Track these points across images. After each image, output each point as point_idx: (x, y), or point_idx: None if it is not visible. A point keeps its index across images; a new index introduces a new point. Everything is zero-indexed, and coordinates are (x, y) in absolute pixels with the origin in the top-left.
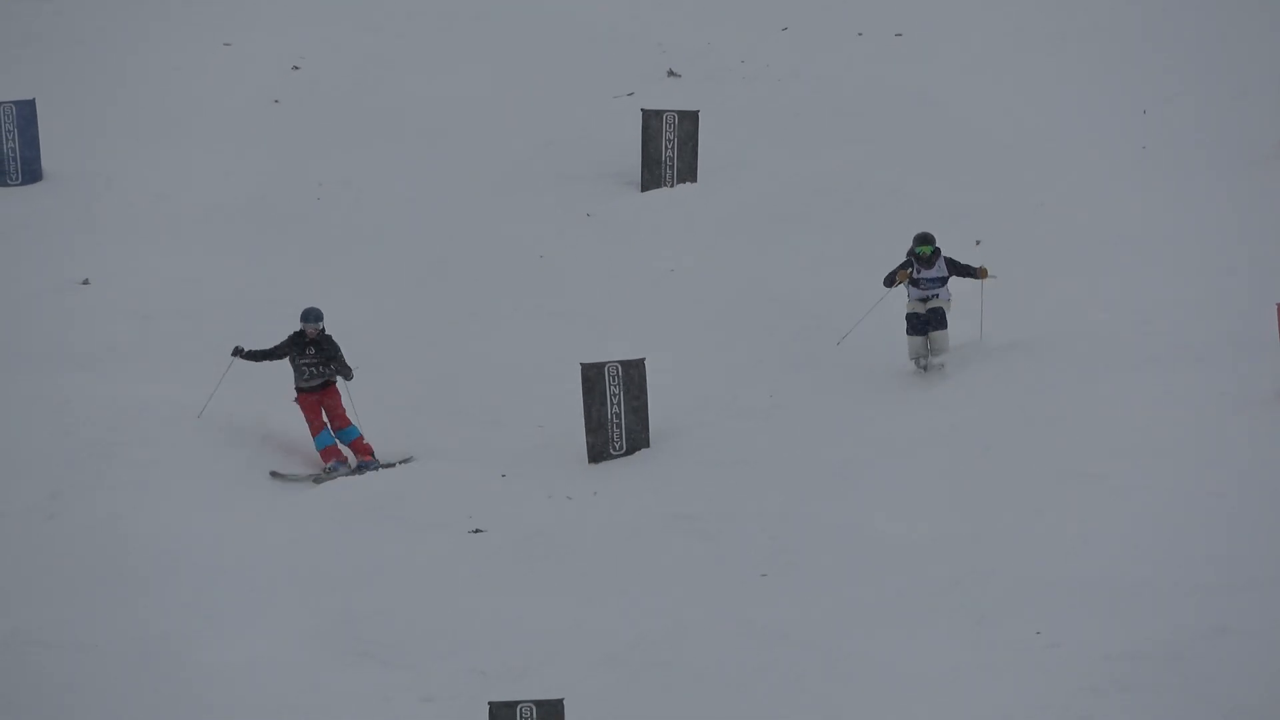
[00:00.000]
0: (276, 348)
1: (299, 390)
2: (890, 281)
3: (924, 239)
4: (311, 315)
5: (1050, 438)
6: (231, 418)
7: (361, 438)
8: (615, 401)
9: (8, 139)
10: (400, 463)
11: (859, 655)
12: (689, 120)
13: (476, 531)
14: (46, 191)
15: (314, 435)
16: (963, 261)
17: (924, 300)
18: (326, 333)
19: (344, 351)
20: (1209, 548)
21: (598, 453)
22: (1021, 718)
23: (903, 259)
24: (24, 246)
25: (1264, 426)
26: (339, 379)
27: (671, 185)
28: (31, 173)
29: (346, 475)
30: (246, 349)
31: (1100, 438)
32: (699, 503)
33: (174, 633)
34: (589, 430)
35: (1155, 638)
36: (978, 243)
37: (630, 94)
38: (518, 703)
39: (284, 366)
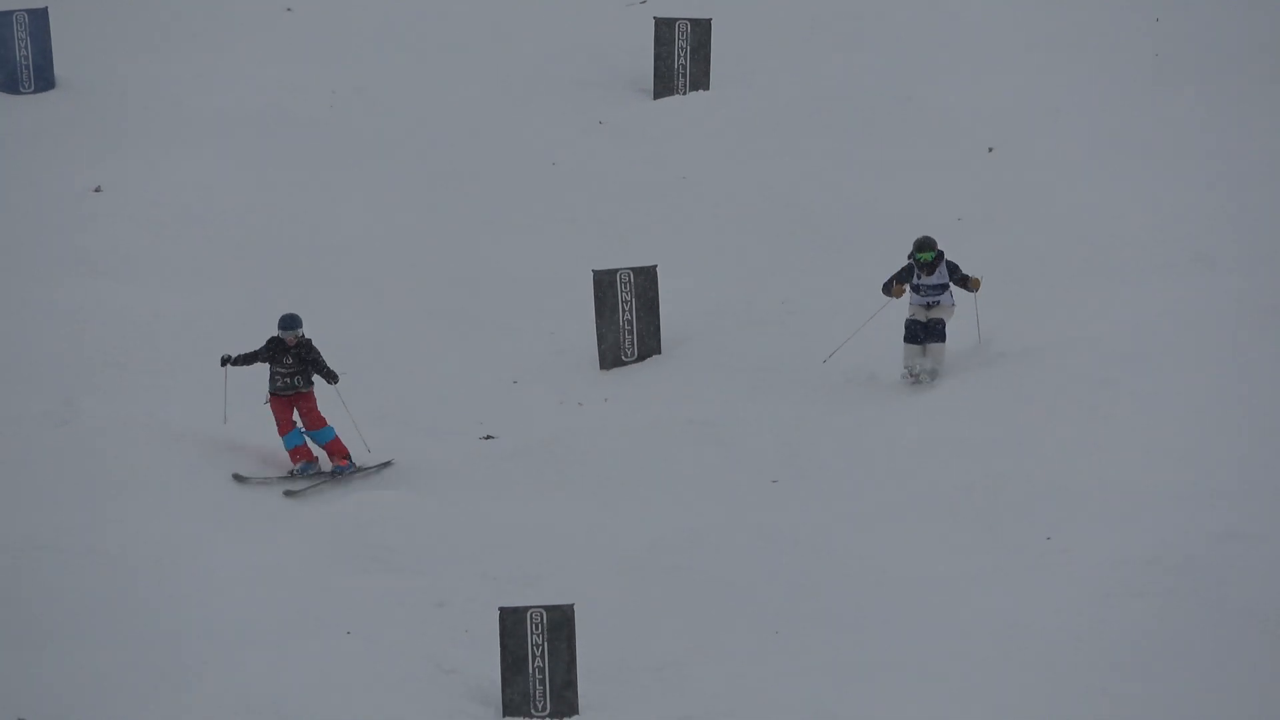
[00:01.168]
0: (257, 352)
1: (271, 394)
2: (888, 289)
3: (925, 244)
4: (289, 322)
5: (1063, 344)
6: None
7: (338, 439)
8: (627, 308)
9: (20, 47)
10: (379, 467)
11: (870, 560)
12: (702, 28)
13: (488, 438)
14: (59, 99)
15: (282, 434)
16: (961, 271)
17: (926, 308)
18: (306, 338)
19: (327, 352)
20: (1221, 453)
21: (610, 359)
22: (1032, 623)
23: (903, 263)
24: (36, 154)
25: (1277, 333)
26: (314, 385)
27: (684, 93)
28: (44, 80)
29: (317, 477)
30: (233, 356)
31: (1113, 344)
32: (711, 409)
33: (187, 539)
34: (601, 337)
35: (1167, 543)
36: (990, 150)
37: (643, 1)
38: (528, 608)
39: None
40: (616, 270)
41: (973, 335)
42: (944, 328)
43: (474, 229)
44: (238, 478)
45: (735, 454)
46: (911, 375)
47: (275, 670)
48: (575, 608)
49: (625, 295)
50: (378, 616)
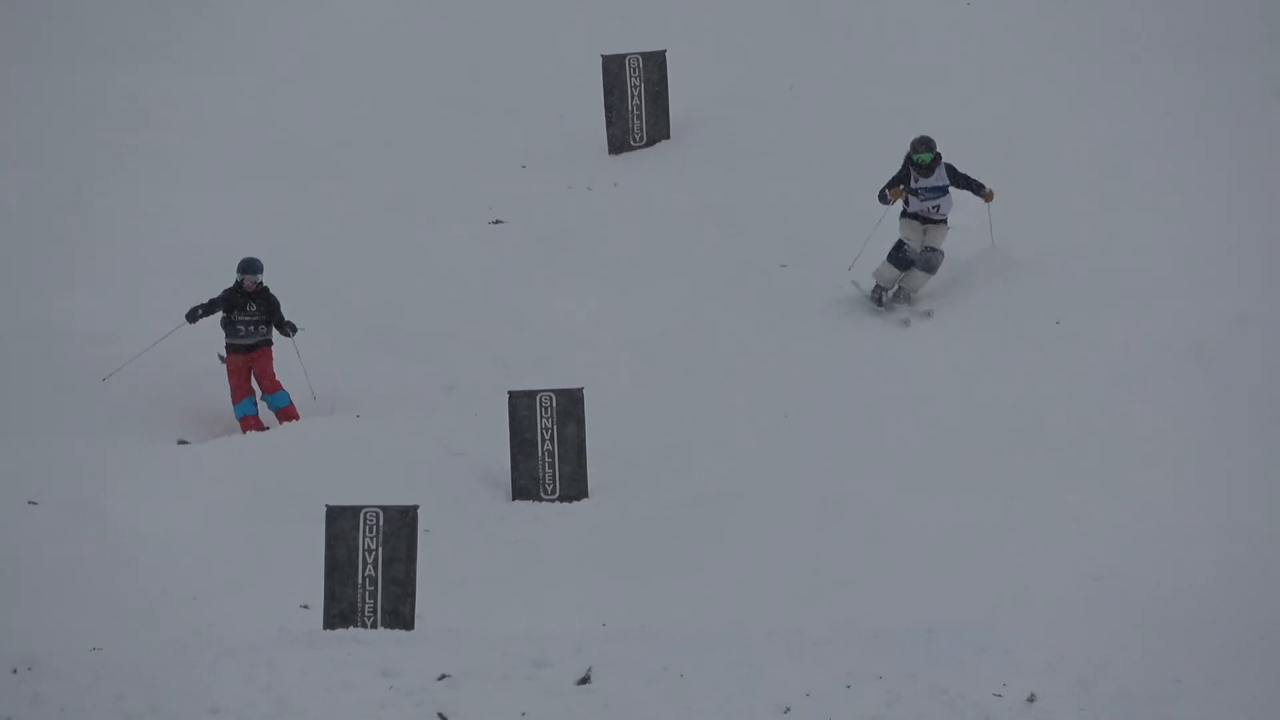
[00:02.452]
0: (213, 302)
1: (229, 348)
2: (884, 198)
3: (923, 144)
4: (250, 266)
5: (1074, 135)
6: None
7: (292, 406)
8: (636, 93)
9: None
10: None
11: (880, 345)
12: None
13: (497, 222)
14: None
15: (235, 402)
16: (968, 174)
17: (925, 213)
18: (265, 286)
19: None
20: (1228, 239)
21: (618, 144)
22: (1041, 405)
23: (900, 166)
24: None
25: None
26: (274, 341)
27: None
28: None
29: None
30: (198, 310)
31: (1124, 133)
32: (719, 194)
33: (199, 325)
34: (609, 121)
35: (1175, 328)
36: None
37: None
38: (537, 392)
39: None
40: (625, 55)
41: (986, 239)
42: (938, 261)
43: (484, 15)
44: (182, 442)
45: (743, 239)
46: (874, 296)
47: (283, 451)
48: (585, 391)
49: (634, 80)
50: (387, 400)
